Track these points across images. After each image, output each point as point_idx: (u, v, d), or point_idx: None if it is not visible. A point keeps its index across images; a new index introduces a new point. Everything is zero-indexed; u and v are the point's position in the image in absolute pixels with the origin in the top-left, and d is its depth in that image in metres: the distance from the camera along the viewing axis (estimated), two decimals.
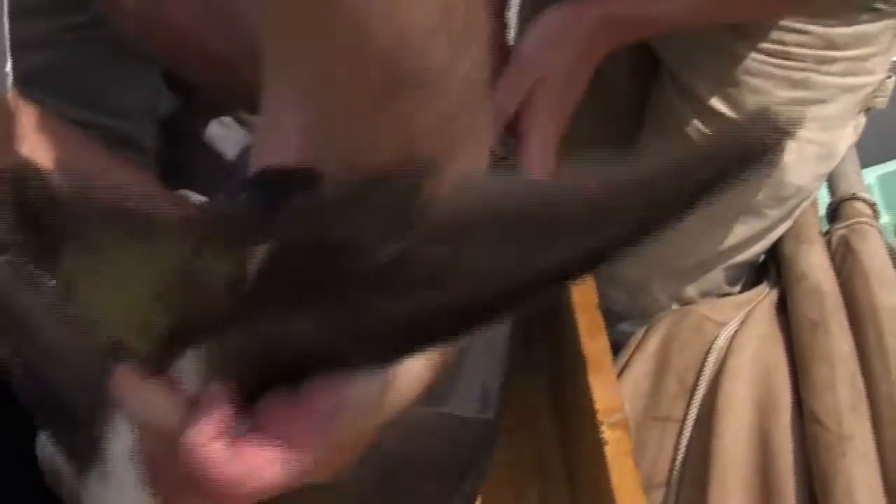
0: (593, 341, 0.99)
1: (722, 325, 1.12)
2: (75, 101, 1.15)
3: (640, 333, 1.16)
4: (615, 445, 0.91)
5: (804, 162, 1.11)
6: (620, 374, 1.13)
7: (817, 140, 1.11)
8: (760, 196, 1.15)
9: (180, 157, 1.38)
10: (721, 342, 1.11)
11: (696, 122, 1.13)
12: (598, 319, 1.01)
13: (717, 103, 1.10)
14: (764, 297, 1.15)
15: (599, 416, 0.92)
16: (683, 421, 1.10)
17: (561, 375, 1.09)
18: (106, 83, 1.16)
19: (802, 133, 1.12)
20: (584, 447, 0.95)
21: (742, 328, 1.11)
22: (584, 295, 1.02)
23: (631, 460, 0.89)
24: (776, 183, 1.14)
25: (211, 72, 1.00)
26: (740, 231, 1.18)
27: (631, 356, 1.14)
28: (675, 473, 1.10)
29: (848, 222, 1.17)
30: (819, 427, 1.00)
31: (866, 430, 1.01)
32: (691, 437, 1.10)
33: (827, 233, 1.18)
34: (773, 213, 1.17)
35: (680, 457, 1.10)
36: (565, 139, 1.09)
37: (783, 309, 1.12)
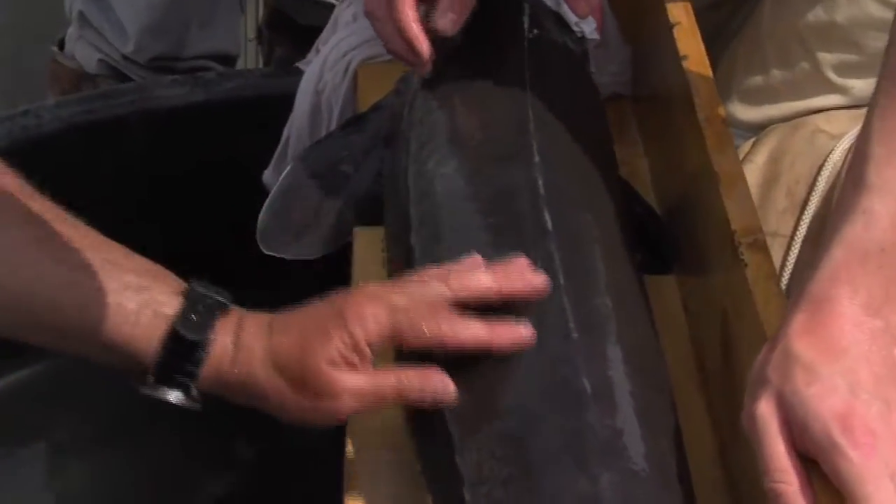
0: (723, 155, 0.93)
1: (837, 137, 1.06)
2: None
3: (747, 145, 1.10)
4: (757, 268, 0.85)
5: None
6: None
7: None
8: None
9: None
10: (837, 155, 1.05)
11: None
12: (727, 132, 0.95)
13: None
14: None
15: (738, 237, 0.87)
16: (792, 237, 1.05)
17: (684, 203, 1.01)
18: None
19: None
20: (720, 275, 0.89)
21: None
22: (709, 107, 0.96)
23: (775, 285, 0.84)
24: None
25: None
26: None
27: None
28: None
29: None
30: None
31: None
32: (800, 254, 1.05)
33: None
34: None
35: (787, 275, 1.05)
36: None
37: None
